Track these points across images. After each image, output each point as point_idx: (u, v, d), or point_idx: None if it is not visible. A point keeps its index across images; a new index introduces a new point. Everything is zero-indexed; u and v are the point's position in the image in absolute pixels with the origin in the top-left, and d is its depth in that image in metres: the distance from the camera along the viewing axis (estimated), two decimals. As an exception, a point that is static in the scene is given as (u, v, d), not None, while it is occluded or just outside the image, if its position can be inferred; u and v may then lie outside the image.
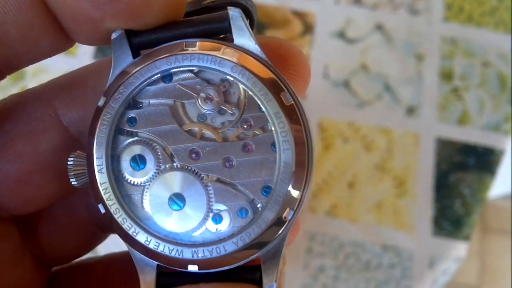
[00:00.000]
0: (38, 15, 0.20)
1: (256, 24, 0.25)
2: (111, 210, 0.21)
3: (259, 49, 0.20)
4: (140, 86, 0.20)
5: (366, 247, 0.60)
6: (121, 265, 0.29)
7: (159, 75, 0.20)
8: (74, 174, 0.21)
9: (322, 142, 0.64)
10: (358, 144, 0.64)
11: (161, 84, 0.21)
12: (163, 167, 0.21)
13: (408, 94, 0.66)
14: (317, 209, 0.61)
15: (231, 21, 0.20)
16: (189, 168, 0.20)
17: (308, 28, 0.68)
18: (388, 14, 0.69)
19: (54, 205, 0.26)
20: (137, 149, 0.21)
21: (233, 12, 0.20)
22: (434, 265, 0.60)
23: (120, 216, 0.21)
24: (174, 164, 0.21)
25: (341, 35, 0.68)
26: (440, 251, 0.60)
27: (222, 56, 0.19)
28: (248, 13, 0.23)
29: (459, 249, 0.60)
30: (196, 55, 0.20)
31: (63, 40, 0.22)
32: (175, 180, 0.20)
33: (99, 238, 0.30)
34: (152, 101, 0.21)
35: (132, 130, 0.21)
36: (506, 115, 0.65)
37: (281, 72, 0.20)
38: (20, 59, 0.22)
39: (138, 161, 0.21)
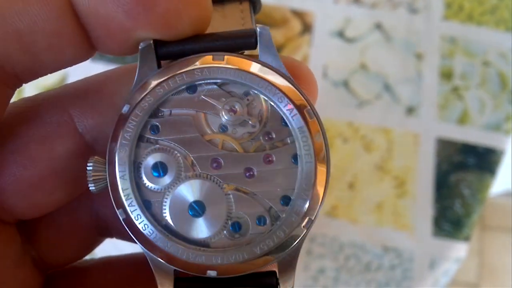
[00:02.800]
0: (67, 25, 0.21)
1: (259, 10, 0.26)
2: (132, 216, 0.21)
3: (283, 66, 0.21)
4: (167, 96, 0.21)
5: (366, 248, 0.60)
6: (118, 269, 0.29)
7: (185, 86, 0.21)
8: (93, 179, 0.22)
9: (322, 143, 0.63)
10: (357, 144, 0.63)
11: (185, 94, 0.21)
12: (184, 174, 0.21)
13: (407, 93, 0.65)
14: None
15: (259, 38, 0.21)
16: (210, 176, 0.21)
17: (307, 28, 0.67)
18: (387, 13, 0.68)
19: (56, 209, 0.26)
20: (159, 157, 0.21)
21: (262, 30, 0.21)
22: (435, 266, 0.60)
23: (141, 222, 0.21)
24: (196, 172, 0.21)
25: (340, 34, 0.67)
26: (441, 252, 0.60)
27: (250, 71, 0.20)
28: (255, 5, 0.25)
29: (459, 250, 0.60)
30: (224, 69, 0.20)
31: (87, 49, 0.22)
32: (196, 187, 0.21)
33: (97, 242, 0.30)
34: (174, 111, 0.21)
35: (154, 138, 0.22)
36: (506, 114, 0.65)
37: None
38: (42, 67, 0.22)
39: (160, 168, 0.21)
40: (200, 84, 0.21)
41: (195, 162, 0.21)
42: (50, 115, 0.24)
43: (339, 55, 0.67)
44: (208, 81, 0.21)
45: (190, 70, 0.21)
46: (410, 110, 0.65)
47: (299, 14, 0.68)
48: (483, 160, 0.63)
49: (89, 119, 0.24)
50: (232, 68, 0.21)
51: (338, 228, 0.60)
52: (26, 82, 0.22)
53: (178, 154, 0.21)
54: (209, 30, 0.22)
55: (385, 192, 0.62)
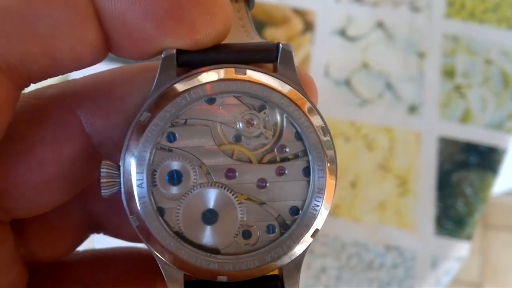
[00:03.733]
0: (90, 29, 0.21)
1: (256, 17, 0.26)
2: (146, 222, 0.22)
3: (300, 82, 0.22)
4: (188, 106, 0.21)
5: (368, 247, 0.60)
6: (108, 263, 0.29)
7: (201, 97, 0.21)
8: (106, 185, 0.22)
9: (324, 142, 0.63)
10: (360, 143, 0.63)
11: (204, 105, 0.22)
12: (199, 183, 0.22)
13: (410, 92, 0.65)
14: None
15: (280, 53, 0.21)
16: (224, 186, 0.22)
17: (308, 26, 0.67)
18: (389, 11, 0.68)
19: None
20: (174, 165, 0.22)
21: (285, 47, 0.21)
22: (437, 265, 0.60)
23: (155, 228, 0.22)
24: (210, 181, 0.22)
25: (342, 33, 0.67)
26: (443, 251, 0.60)
27: (271, 86, 0.21)
28: (249, 2, 0.26)
29: (462, 249, 0.60)
30: (246, 82, 0.21)
31: (103, 53, 0.22)
32: (209, 196, 0.22)
33: (86, 237, 0.30)
34: (191, 120, 0.22)
35: (170, 145, 0.22)
36: (509, 113, 0.65)
37: None
38: (58, 69, 0.22)
39: (175, 176, 0.22)
40: (218, 95, 0.22)
41: (209, 171, 0.22)
42: (57, 116, 0.24)
43: (341, 53, 0.67)
44: (229, 93, 0.22)
45: (213, 81, 0.21)
46: (412, 109, 0.64)
47: (300, 13, 0.68)
48: (486, 159, 0.63)
49: (97, 121, 0.24)
50: (254, 82, 0.21)
51: (340, 227, 0.60)
52: (36, 82, 0.22)
53: (193, 163, 0.22)
54: None
55: (387, 191, 0.62)
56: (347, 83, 0.65)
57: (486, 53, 0.67)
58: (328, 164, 0.22)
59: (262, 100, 0.22)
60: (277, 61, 0.22)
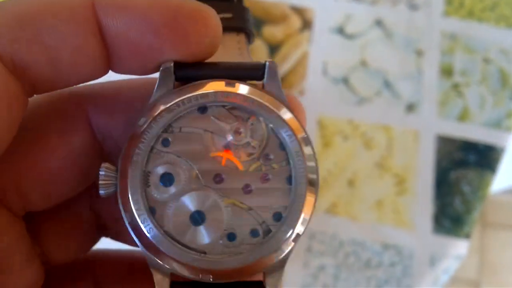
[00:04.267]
0: (92, 46, 0.22)
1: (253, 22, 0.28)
2: (139, 220, 0.23)
3: (285, 97, 0.24)
4: (181, 113, 0.23)
5: (366, 246, 0.60)
6: (117, 263, 0.30)
7: (197, 106, 0.24)
8: (103, 185, 0.23)
9: (322, 140, 0.63)
10: (357, 141, 0.63)
11: (196, 114, 0.24)
12: (188, 186, 0.24)
13: (408, 90, 0.65)
14: (316, 208, 0.61)
15: (267, 71, 0.23)
16: (212, 189, 0.23)
17: (306, 24, 0.67)
18: (388, 9, 0.68)
19: (59, 205, 0.27)
20: (167, 168, 0.23)
21: (271, 64, 0.23)
22: (435, 263, 0.60)
23: (147, 226, 0.23)
24: (199, 185, 0.24)
25: (340, 31, 0.67)
26: (441, 249, 0.60)
27: (257, 99, 0.23)
28: (249, 37, 0.29)
29: (460, 247, 0.60)
30: (234, 94, 0.23)
31: (104, 69, 0.23)
32: (198, 199, 0.23)
33: (96, 240, 0.31)
34: (184, 128, 0.24)
35: (164, 150, 0.24)
36: (507, 111, 0.64)
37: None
38: (61, 82, 0.23)
39: (167, 179, 0.23)
40: (211, 106, 0.24)
41: (199, 175, 0.23)
42: (67, 109, 0.26)
43: (339, 51, 0.66)
44: (218, 104, 0.24)
45: (204, 93, 0.23)
46: (410, 107, 0.64)
47: (298, 11, 0.68)
48: (484, 157, 0.63)
49: (102, 118, 0.26)
50: (242, 95, 0.23)
51: (338, 226, 0.60)
52: (40, 93, 0.23)
53: (185, 167, 0.23)
54: (211, 59, 0.25)
55: (385, 189, 0.62)
56: (345, 81, 0.65)
57: (485, 52, 0.67)
58: (309, 174, 0.24)
59: (248, 111, 0.23)
60: (263, 78, 0.24)
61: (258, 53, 0.66)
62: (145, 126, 0.23)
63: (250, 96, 0.23)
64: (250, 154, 0.24)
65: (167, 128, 0.24)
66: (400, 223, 0.61)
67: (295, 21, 0.67)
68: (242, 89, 0.23)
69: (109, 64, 0.23)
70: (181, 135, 0.24)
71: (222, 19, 0.26)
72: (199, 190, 0.23)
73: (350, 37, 0.67)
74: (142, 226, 0.23)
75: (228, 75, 0.24)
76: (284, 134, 0.23)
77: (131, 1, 0.22)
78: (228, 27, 0.28)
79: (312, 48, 0.66)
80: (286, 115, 0.23)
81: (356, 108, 0.64)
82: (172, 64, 0.23)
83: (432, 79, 0.65)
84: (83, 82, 0.24)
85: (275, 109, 0.23)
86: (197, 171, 0.23)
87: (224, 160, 0.24)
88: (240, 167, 0.24)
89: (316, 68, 0.66)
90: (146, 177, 0.23)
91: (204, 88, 0.23)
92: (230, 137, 0.24)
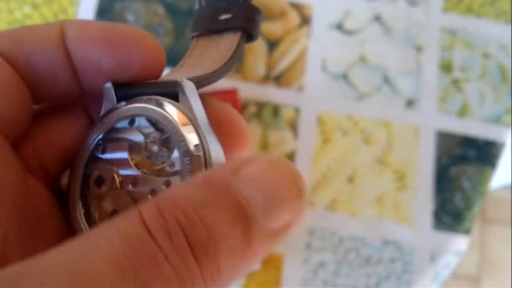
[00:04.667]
0: (59, 61, 0.24)
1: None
2: (76, 210, 0.26)
3: (200, 113, 0.25)
4: (111, 125, 0.26)
5: (366, 242, 0.60)
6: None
7: (126, 119, 0.26)
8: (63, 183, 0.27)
9: (321, 136, 0.63)
10: (357, 137, 0.63)
11: (126, 125, 0.26)
12: (114, 188, 0.26)
13: (407, 86, 0.65)
14: (316, 204, 0.61)
15: (180, 89, 0.25)
16: (129, 192, 0.26)
17: (305, 20, 0.67)
18: (387, 4, 0.68)
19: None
20: (100, 171, 0.26)
21: (186, 83, 0.25)
22: (435, 259, 0.59)
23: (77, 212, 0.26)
24: (121, 188, 0.26)
25: (339, 26, 0.67)
26: (441, 245, 0.60)
27: (169, 117, 0.25)
28: (252, 35, 0.30)
29: (460, 243, 0.60)
30: (148, 107, 0.25)
31: (77, 89, 0.26)
32: (118, 199, 0.26)
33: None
34: (119, 136, 0.26)
35: (100, 156, 0.26)
36: (506, 107, 0.64)
37: (224, 138, 0.26)
38: (40, 97, 0.25)
39: (99, 182, 0.26)
40: (137, 119, 0.26)
41: (122, 179, 0.26)
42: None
43: (338, 47, 0.66)
44: (141, 116, 0.26)
45: (126, 106, 0.26)
46: (410, 103, 0.64)
47: (297, 6, 0.67)
48: (484, 153, 0.63)
49: (91, 109, 0.28)
50: (154, 109, 0.25)
51: (338, 222, 0.60)
52: (36, 102, 0.26)
53: (114, 172, 0.26)
54: (199, 61, 0.28)
55: (385, 185, 0.62)
56: (345, 77, 0.65)
57: (484, 47, 0.67)
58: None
59: (161, 126, 0.26)
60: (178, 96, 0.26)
61: (257, 49, 0.66)
62: (89, 133, 0.27)
63: (158, 110, 0.25)
64: (162, 162, 0.26)
65: (104, 136, 0.27)
66: (400, 219, 0.60)
67: (294, 17, 0.67)
68: (151, 102, 0.26)
69: (82, 86, 0.26)
70: (115, 143, 0.26)
71: (221, 21, 0.29)
72: (121, 192, 0.26)
73: (349, 33, 0.67)
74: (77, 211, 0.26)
75: (156, 92, 0.26)
76: (181, 143, 0.25)
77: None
78: (227, 28, 0.29)
79: (311, 44, 0.66)
80: (186, 127, 0.25)
81: (355, 104, 0.64)
82: (110, 85, 0.26)
83: (431, 74, 0.65)
84: (64, 100, 0.27)
85: (177, 123, 0.25)
86: (121, 175, 0.26)
87: (141, 166, 0.26)
88: (152, 173, 0.26)
89: (315, 64, 0.65)
90: (86, 178, 0.27)
91: (134, 104, 0.26)
92: (146, 146, 0.26)
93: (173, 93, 0.26)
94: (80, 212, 0.26)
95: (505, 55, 0.66)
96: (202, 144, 0.25)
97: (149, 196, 0.26)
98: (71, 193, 0.27)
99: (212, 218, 0.19)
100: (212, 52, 0.29)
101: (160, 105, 0.25)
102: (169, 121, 0.25)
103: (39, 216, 0.25)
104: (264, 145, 0.62)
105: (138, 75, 0.26)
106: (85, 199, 0.27)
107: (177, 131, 0.25)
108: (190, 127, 0.25)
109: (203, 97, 0.26)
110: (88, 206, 0.26)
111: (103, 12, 0.67)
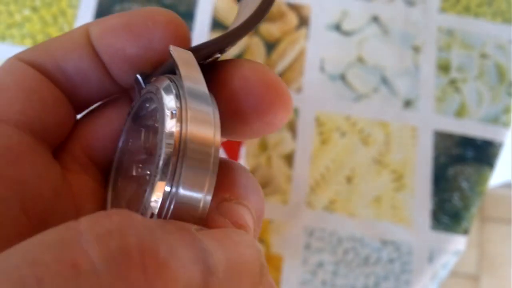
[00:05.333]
0: (89, 62, 0.24)
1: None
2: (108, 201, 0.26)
3: (196, 90, 0.21)
4: (137, 112, 0.25)
5: (365, 242, 0.60)
6: None
7: (143, 104, 0.25)
8: None
9: (319, 137, 0.63)
10: (355, 138, 0.63)
11: (145, 112, 0.25)
12: (130, 175, 0.26)
13: (405, 86, 0.65)
14: (315, 204, 0.61)
15: (173, 63, 0.22)
16: (138, 177, 0.26)
17: (303, 21, 0.67)
18: (384, 5, 0.68)
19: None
20: (124, 161, 0.26)
21: (175, 55, 0.22)
22: (434, 259, 0.60)
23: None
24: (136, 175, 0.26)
25: (337, 27, 0.67)
26: (439, 245, 0.60)
27: (155, 96, 0.23)
28: None
29: (458, 243, 0.60)
30: (150, 90, 0.24)
31: (110, 85, 0.25)
32: (131, 187, 0.26)
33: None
34: (138, 123, 0.26)
35: (126, 147, 0.26)
36: (504, 107, 0.65)
37: (253, 102, 0.22)
38: (77, 102, 0.25)
39: (124, 171, 0.26)
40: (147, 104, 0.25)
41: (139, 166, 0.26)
42: None
43: (336, 48, 0.66)
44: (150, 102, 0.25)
45: (143, 92, 0.25)
46: (408, 103, 0.64)
47: (295, 8, 0.68)
48: (482, 153, 0.63)
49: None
50: (152, 94, 0.24)
51: (336, 222, 0.60)
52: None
53: (133, 161, 0.26)
54: (234, 25, 0.23)
55: (383, 185, 0.62)
56: (342, 77, 0.65)
57: (481, 47, 0.67)
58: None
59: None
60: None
61: (255, 51, 0.66)
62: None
63: (155, 97, 0.24)
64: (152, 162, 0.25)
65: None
66: (398, 219, 0.61)
67: (292, 18, 0.67)
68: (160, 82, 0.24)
69: (114, 80, 0.26)
70: (133, 133, 0.26)
71: None
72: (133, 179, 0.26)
73: (346, 33, 0.67)
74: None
75: (164, 71, 0.25)
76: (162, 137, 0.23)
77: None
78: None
79: (309, 45, 0.66)
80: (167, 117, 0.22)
81: (353, 104, 0.64)
82: (138, 75, 0.25)
83: (429, 75, 0.66)
84: (94, 103, 0.27)
85: (163, 113, 0.23)
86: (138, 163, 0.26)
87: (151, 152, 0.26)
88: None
89: (313, 65, 0.66)
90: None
91: (147, 89, 0.25)
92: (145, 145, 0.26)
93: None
94: (109, 202, 0.26)
95: (503, 55, 0.66)
96: (180, 131, 0.21)
97: (147, 177, 0.25)
98: (107, 187, 0.27)
99: None
100: (242, 12, 0.25)
101: (157, 90, 0.24)
102: (160, 107, 0.23)
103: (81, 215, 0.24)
104: (264, 146, 0.63)
105: (163, 54, 0.24)
106: (115, 189, 0.26)
107: (162, 119, 0.23)
108: (172, 116, 0.22)
109: (217, 64, 0.23)
110: (117, 196, 0.26)
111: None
